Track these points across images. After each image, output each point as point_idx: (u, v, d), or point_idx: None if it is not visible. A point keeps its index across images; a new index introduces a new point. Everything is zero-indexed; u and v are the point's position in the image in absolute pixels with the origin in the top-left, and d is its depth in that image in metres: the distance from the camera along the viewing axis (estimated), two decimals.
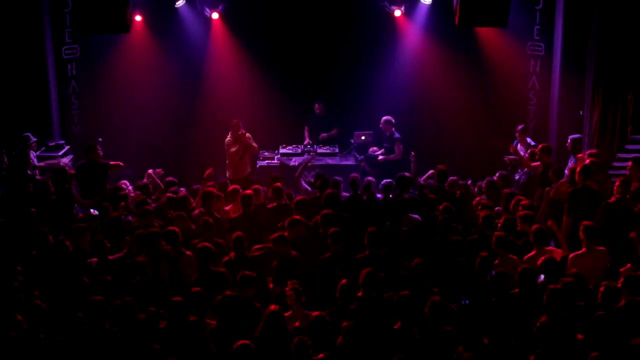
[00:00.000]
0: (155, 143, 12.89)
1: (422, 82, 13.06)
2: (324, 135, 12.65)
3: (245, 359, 5.70)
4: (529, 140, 11.37)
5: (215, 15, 12.45)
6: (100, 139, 11.69)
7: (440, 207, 8.39)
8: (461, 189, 9.52)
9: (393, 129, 12.02)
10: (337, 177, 9.76)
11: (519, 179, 10.83)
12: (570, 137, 10.65)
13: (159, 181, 10.04)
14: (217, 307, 6.49)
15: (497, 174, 9.95)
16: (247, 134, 11.41)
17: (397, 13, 12.42)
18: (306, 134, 12.90)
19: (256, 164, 12.00)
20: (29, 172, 10.13)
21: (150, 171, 10.24)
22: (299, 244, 7.90)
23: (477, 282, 6.90)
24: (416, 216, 8.64)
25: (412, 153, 10.10)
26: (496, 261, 7.38)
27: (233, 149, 11.35)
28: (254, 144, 11.51)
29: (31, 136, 10.87)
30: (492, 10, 10.14)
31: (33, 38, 11.65)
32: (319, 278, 7.49)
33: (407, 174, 9.43)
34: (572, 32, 11.42)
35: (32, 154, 10.76)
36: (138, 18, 12.09)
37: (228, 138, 11.48)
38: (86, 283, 6.88)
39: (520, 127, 11.55)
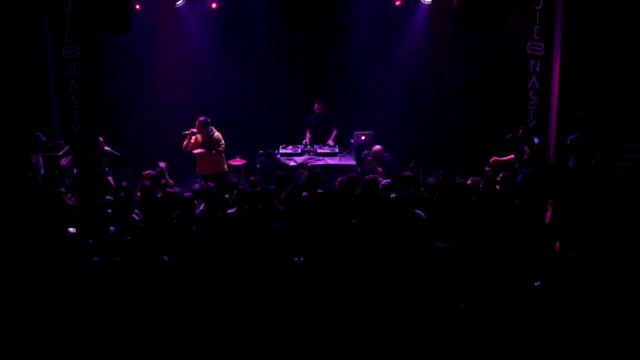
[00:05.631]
0: (155, 142, 12.89)
1: (422, 82, 13.06)
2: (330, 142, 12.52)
3: None
4: (536, 140, 11.07)
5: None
6: (100, 139, 11.67)
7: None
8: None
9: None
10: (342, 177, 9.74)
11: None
12: (570, 137, 10.63)
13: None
14: None
15: (500, 175, 9.88)
16: (216, 133, 11.39)
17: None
18: (308, 135, 12.74)
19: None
20: (29, 175, 10.12)
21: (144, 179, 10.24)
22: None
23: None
24: (420, 212, 8.63)
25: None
26: None
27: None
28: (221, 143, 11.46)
29: (41, 135, 10.91)
30: (492, 11, 10.14)
31: (33, 38, 11.64)
32: None
33: (408, 173, 9.42)
34: (572, 32, 11.44)
35: (38, 158, 10.79)
36: (138, 18, 12.07)
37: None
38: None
39: (522, 128, 11.18)
